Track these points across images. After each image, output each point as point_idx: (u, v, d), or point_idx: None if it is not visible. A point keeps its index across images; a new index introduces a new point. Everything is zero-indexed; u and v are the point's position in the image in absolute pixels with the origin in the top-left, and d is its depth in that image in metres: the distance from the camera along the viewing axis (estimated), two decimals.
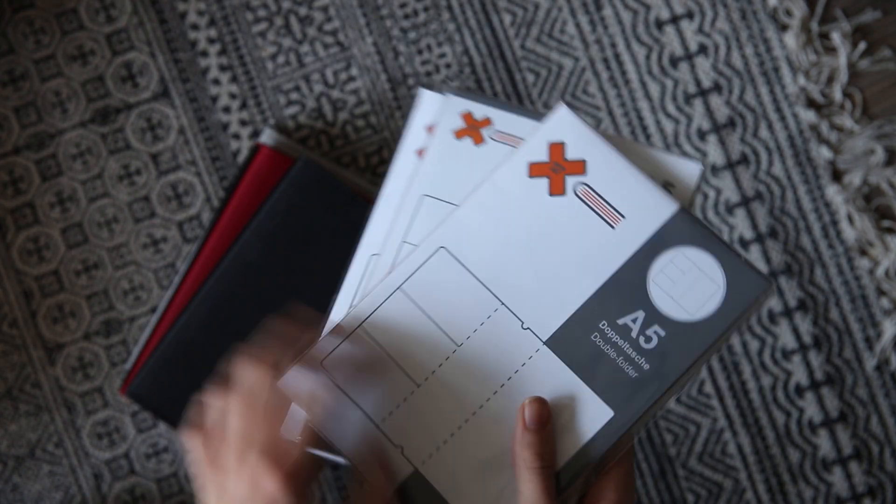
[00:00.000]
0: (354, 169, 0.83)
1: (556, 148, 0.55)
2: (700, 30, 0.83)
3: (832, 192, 0.83)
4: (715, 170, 0.83)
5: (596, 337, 0.52)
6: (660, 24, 0.83)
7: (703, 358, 0.52)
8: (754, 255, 0.83)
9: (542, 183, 0.55)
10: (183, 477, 0.82)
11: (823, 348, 0.83)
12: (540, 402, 0.50)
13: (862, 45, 0.83)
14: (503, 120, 0.56)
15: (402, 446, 0.51)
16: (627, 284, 0.53)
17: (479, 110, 0.56)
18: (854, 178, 0.83)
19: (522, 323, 0.53)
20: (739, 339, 0.83)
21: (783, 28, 0.83)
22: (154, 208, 0.83)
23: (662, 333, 0.52)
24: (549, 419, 0.50)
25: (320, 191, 0.76)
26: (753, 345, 0.83)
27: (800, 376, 0.83)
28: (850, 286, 0.83)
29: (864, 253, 0.83)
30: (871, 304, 0.83)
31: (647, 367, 0.51)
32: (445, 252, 0.54)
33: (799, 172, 0.83)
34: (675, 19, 0.83)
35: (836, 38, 0.83)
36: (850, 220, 0.83)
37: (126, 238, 0.83)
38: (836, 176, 0.83)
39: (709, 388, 0.83)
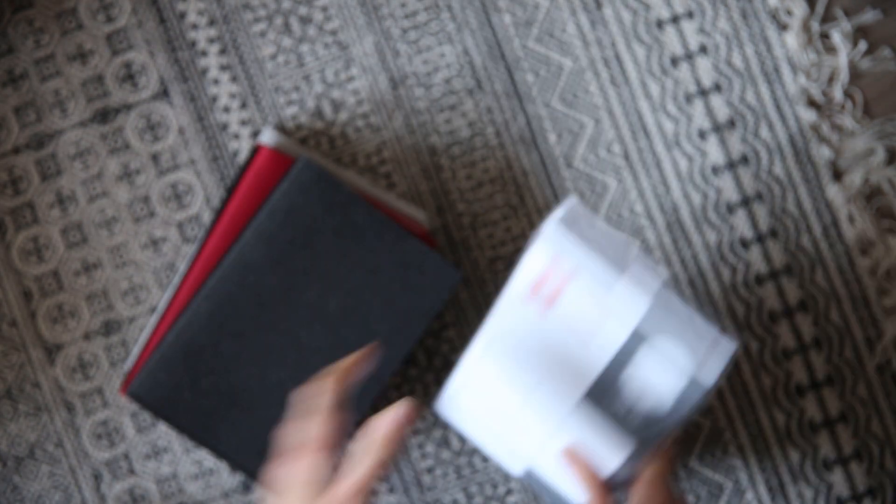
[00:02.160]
0: (354, 169, 0.83)
1: (545, 272, 0.61)
2: (701, 29, 0.83)
3: (833, 191, 0.83)
4: (715, 170, 0.83)
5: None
6: (660, 24, 0.83)
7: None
8: (755, 254, 0.83)
9: (539, 300, 0.62)
10: (182, 477, 0.82)
11: (824, 348, 0.83)
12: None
13: (862, 45, 0.83)
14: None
15: None
16: (611, 379, 0.61)
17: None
18: (855, 178, 0.83)
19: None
20: (740, 339, 0.83)
21: (783, 28, 0.83)
22: (154, 208, 0.83)
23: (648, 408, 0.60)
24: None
25: (320, 191, 0.76)
26: (753, 345, 0.83)
27: (800, 376, 0.83)
28: (850, 286, 0.83)
29: (864, 253, 0.83)
30: (871, 304, 0.83)
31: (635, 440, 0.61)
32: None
33: (799, 172, 0.83)
34: (675, 19, 0.83)
35: (836, 37, 0.83)
36: (851, 220, 0.83)
37: (126, 238, 0.83)
38: (837, 176, 0.83)
39: None
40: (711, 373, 0.60)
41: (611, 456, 0.61)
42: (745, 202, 0.83)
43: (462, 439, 0.82)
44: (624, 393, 0.60)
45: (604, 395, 0.60)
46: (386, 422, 0.55)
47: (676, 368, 0.60)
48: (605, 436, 0.61)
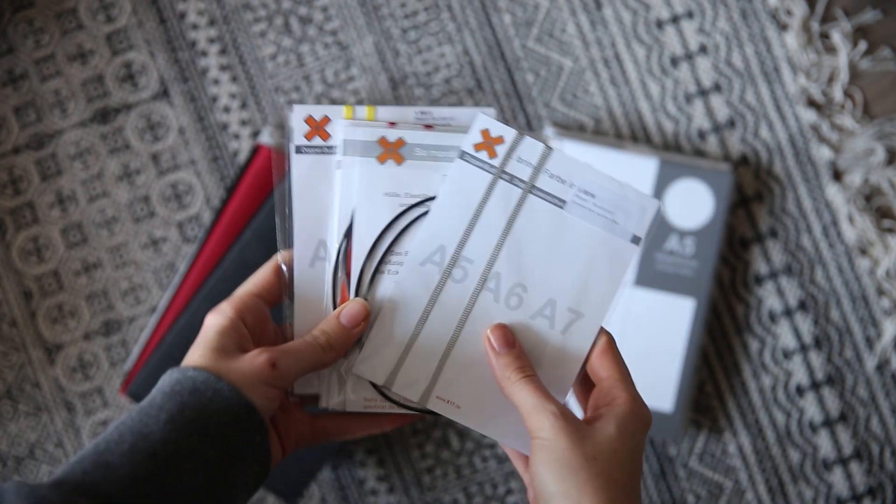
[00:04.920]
0: None
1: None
2: (700, 29, 0.83)
3: (833, 191, 0.83)
4: None
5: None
6: (660, 24, 0.83)
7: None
8: (755, 253, 0.83)
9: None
10: None
11: (824, 348, 0.83)
12: (501, 327, 0.54)
13: (862, 45, 0.83)
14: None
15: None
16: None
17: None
18: (854, 178, 0.83)
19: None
20: (740, 339, 0.83)
21: (783, 28, 0.83)
22: (154, 208, 0.83)
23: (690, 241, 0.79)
24: (514, 339, 0.54)
25: None
26: (753, 345, 0.83)
27: (800, 376, 0.83)
28: (850, 286, 0.83)
29: (864, 253, 0.83)
30: (871, 303, 0.83)
31: (695, 263, 0.79)
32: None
33: (799, 172, 0.83)
34: (675, 19, 0.83)
35: (836, 37, 0.83)
36: (851, 219, 0.83)
37: (126, 238, 0.82)
38: (837, 176, 0.83)
39: (709, 388, 0.83)
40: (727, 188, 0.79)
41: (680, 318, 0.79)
42: (745, 202, 0.83)
43: (463, 437, 0.82)
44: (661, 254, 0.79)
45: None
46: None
47: (699, 199, 0.79)
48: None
